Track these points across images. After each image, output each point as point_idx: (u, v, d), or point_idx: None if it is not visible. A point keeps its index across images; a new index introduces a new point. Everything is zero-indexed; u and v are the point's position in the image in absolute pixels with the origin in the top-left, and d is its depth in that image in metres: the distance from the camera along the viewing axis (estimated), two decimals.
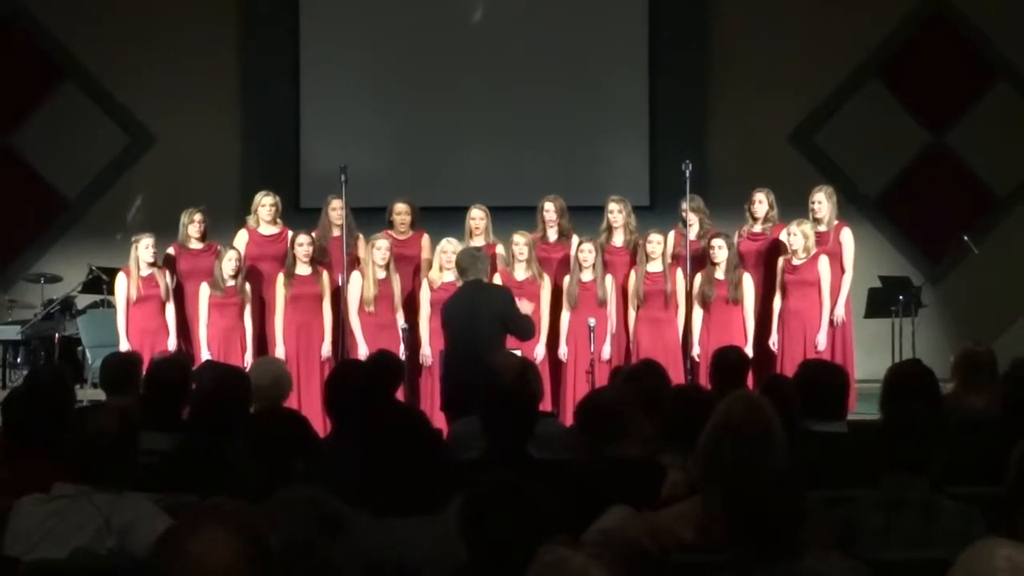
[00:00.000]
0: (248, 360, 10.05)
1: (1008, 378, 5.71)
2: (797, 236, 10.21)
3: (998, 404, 5.75)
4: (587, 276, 10.27)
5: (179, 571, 2.34)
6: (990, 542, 2.80)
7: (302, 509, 3.43)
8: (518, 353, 7.97)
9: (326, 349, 10.27)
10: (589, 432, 4.94)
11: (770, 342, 10.30)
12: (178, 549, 2.37)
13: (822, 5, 13.37)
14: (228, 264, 10.16)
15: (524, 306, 8.86)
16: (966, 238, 12.23)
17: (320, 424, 8.65)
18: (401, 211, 10.70)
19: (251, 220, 10.74)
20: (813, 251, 10.25)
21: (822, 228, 10.46)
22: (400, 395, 8.14)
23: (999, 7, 13.37)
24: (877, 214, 13.46)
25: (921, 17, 13.55)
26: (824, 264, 10.25)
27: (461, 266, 8.77)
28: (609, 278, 10.31)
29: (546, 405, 9.68)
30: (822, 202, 10.50)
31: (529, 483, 3.60)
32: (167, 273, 10.38)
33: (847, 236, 10.50)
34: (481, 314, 8.26)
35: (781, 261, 10.33)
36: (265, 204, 10.67)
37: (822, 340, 10.19)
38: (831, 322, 10.31)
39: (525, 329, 8.48)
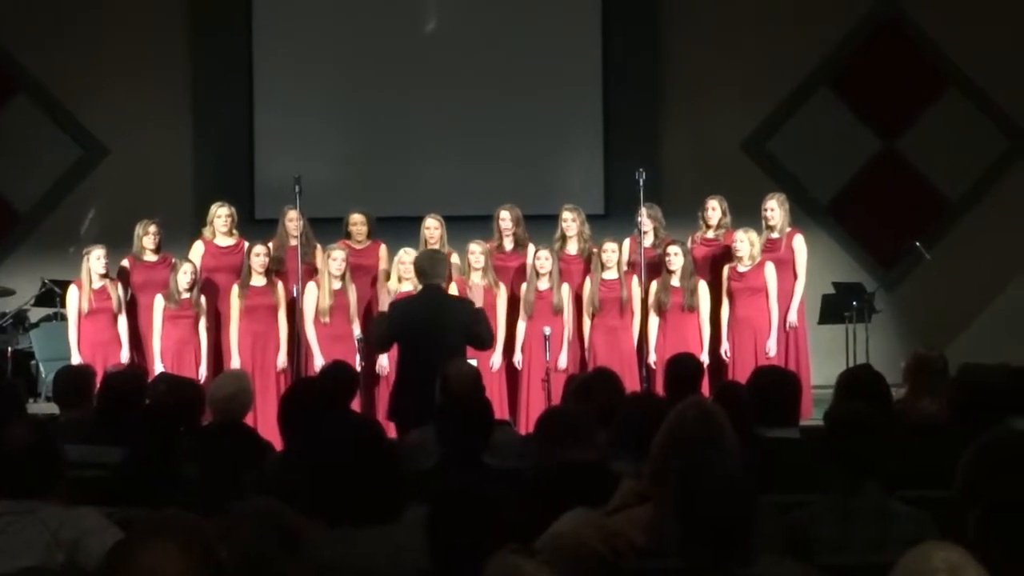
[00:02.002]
0: (203, 372, 10.04)
1: (957, 382, 5.75)
2: (743, 243, 10.28)
3: (949, 408, 5.80)
4: (543, 284, 10.29)
5: None
6: (929, 545, 2.84)
7: (257, 521, 3.42)
8: (473, 362, 7.95)
9: (281, 360, 10.26)
10: (544, 437, 4.98)
11: (722, 350, 10.35)
12: (129, 562, 2.37)
13: (773, 13, 13.43)
14: (183, 277, 10.12)
15: (474, 294, 8.84)
16: (918, 244, 12.31)
17: (276, 435, 8.64)
18: (357, 221, 10.71)
19: (207, 231, 10.72)
20: (759, 258, 10.32)
21: (775, 235, 10.54)
22: (356, 405, 8.13)
23: (949, 14, 13.46)
24: (830, 221, 13.53)
25: (872, 24, 13.63)
26: (770, 271, 10.33)
27: (420, 267, 8.58)
28: (565, 286, 10.33)
29: (502, 414, 9.70)
30: (774, 209, 10.58)
31: (494, 490, 3.61)
32: (119, 285, 10.33)
33: (799, 243, 10.59)
34: (444, 325, 8.10)
35: (727, 269, 10.39)
36: (221, 215, 10.65)
37: (772, 346, 10.26)
38: (784, 328, 10.37)
39: (486, 340, 8.38)
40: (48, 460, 4.32)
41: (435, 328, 8.10)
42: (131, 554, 2.36)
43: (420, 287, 8.58)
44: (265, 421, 9.11)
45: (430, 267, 8.45)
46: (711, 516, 3.45)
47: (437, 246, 10.41)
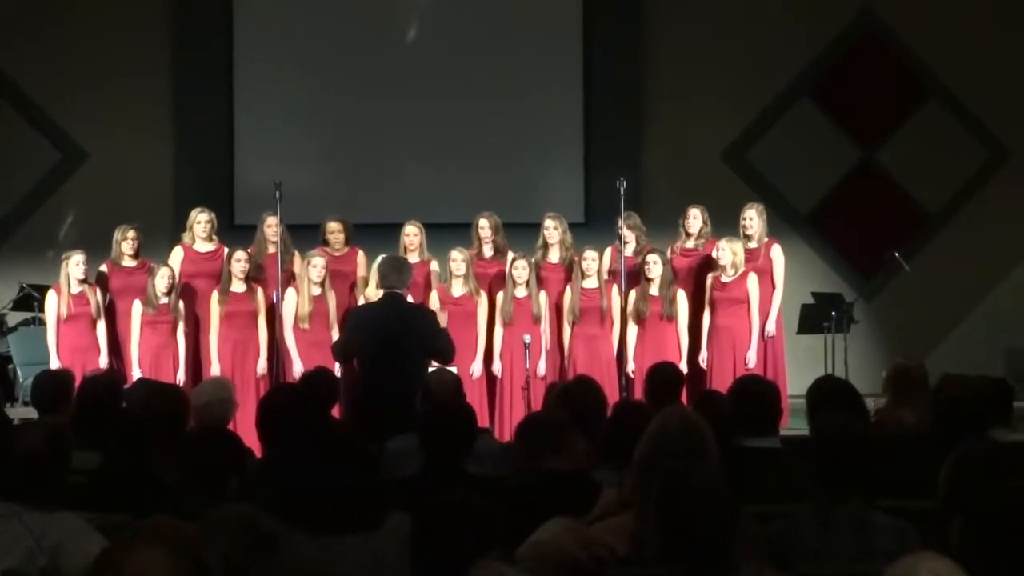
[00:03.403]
0: (181, 378, 10.01)
1: (937, 392, 5.76)
2: (726, 252, 10.30)
3: (929, 419, 5.81)
4: (521, 292, 10.29)
5: None
6: (915, 556, 2.84)
7: (234, 527, 3.41)
8: (454, 370, 7.95)
9: (261, 366, 10.23)
10: (525, 445, 4.97)
11: (700, 359, 10.36)
12: (117, 568, 2.36)
13: (754, 24, 13.46)
14: (161, 282, 10.09)
15: (439, 317, 8.82)
16: (897, 255, 12.34)
17: (256, 441, 8.61)
18: (334, 229, 10.70)
19: (186, 237, 10.70)
20: (742, 268, 10.34)
21: (752, 244, 10.56)
22: (336, 412, 8.11)
23: (929, 26, 13.52)
24: (809, 231, 13.57)
25: (852, 35, 13.67)
26: (753, 281, 10.34)
27: (383, 272, 8.60)
28: (543, 294, 10.34)
29: (482, 421, 9.69)
30: (753, 219, 10.61)
31: (476, 499, 3.61)
32: (98, 290, 10.30)
33: (777, 252, 10.62)
34: (405, 333, 8.11)
35: (710, 278, 10.41)
36: (201, 221, 10.63)
37: (752, 357, 10.27)
38: (763, 337, 10.39)
39: (448, 353, 8.33)
40: (61, 468, 4.32)
41: (396, 336, 8.08)
42: (119, 560, 2.35)
43: (381, 293, 8.58)
44: (245, 427, 9.08)
45: (393, 274, 8.44)
46: (692, 525, 3.45)
47: (416, 253, 10.43)
